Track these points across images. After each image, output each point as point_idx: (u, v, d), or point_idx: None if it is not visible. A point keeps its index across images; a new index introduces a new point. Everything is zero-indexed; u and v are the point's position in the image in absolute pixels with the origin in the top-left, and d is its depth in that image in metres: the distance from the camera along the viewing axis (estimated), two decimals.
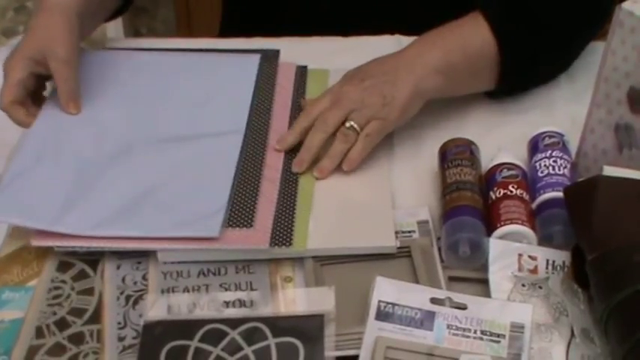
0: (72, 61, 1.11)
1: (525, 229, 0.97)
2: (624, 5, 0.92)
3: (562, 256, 0.96)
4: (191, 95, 1.18)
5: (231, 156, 1.07)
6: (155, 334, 0.90)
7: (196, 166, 1.06)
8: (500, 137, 1.13)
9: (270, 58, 1.25)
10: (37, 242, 0.98)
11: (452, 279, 0.97)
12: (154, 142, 1.10)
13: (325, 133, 1.07)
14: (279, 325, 0.90)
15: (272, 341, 0.88)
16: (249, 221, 0.99)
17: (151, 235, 0.97)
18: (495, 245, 0.96)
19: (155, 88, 1.19)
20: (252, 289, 0.95)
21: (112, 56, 1.26)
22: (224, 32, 1.55)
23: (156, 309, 0.93)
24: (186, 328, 0.90)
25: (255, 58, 1.24)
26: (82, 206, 1.00)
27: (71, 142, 1.09)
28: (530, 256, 0.96)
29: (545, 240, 0.98)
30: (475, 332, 0.88)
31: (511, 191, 1.00)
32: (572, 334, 0.89)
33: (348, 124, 1.07)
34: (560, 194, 0.98)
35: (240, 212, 1.00)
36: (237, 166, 1.06)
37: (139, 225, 0.98)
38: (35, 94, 1.14)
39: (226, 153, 1.07)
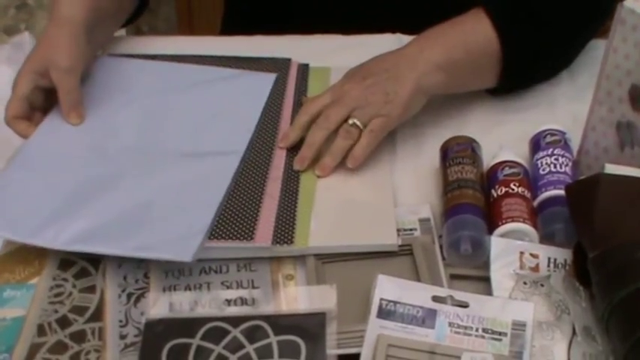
0: (74, 71, 1.11)
1: (527, 227, 0.97)
2: (626, 3, 0.92)
3: (564, 254, 0.96)
4: (198, 112, 1.17)
5: (224, 179, 1.05)
6: (157, 332, 0.90)
7: (187, 186, 1.04)
8: (501, 135, 1.13)
9: (280, 67, 1.25)
10: None
11: (453, 277, 0.97)
12: (151, 158, 1.08)
13: (327, 130, 1.07)
14: (281, 323, 0.90)
15: (274, 339, 0.88)
16: (250, 234, 0.98)
17: (122, 255, 0.96)
18: (497, 243, 0.96)
19: (164, 102, 1.18)
20: (253, 287, 0.95)
21: (122, 64, 1.26)
22: (225, 30, 1.55)
23: (157, 307, 0.93)
24: (187, 326, 0.90)
25: (270, 78, 1.23)
26: (64, 220, 0.98)
27: (66, 155, 1.09)
28: (531, 254, 0.96)
29: (546, 238, 0.98)
30: (477, 330, 0.88)
31: (513, 189, 1.00)
32: (574, 332, 0.89)
33: (350, 122, 1.06)
34: (561, 192, 0.98)
35: (240, 226, 0.99)
36: (227, 190, 1.03)
37: (112, 244, 0.96)
38: (46, 107, 1.14)
39: (219, 175, 1.05)
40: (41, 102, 1.13)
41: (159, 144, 1.11)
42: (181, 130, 1.13)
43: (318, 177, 1.07)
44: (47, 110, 1.14)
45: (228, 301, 0.93)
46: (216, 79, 1.23)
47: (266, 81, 1.23)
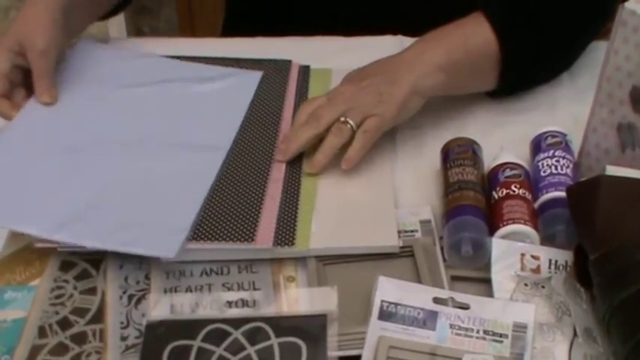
0: (49, 53, 1.11)
1: (528, 229, 0.97)
2: (627, 4, 0.92)
3: (565, 256, 0.96)
4: (184, 108, 1.17)
5: (209, 174, 1.05)
6: (158, 334, 0.90)
7: (172, 179, 1.04)
8: (502, 137, 1.13)
9: (281, 69, 1.25)
10: (41, 244, 0.98)
11: (454, 278, 0.97)
12: (136, 148, 1.09)
13: (316, 129, 1.07)
14: (282, 325, 0.90)
15: (275, 341, 0.88)
16: (251, 236, 0.98)
17: (105, 248, 0.96)
18: (498, 245, 0.96)
19: (150, 95, 1.18)
20: (254, 289, 0.95)
21: (111, 53, 1.27)
22: (227, 32, 1.55)
23: (158, 309, 0.93)
24: (188, 327, 0.90)
25: (257, 75, 1.24)
26: (46, 209, 0.99)
27: (49, 140, 1.09)
28: (532, 256, 0.96)
29: (547, 239, 0.98)
30: (478, 332, 0.88)
31: (514, 191, 1.00)
32: (575, 334, 0.89)
33: (342, 119, 1.06)
34: (562, 194, 0.98)
35: (241, 227, 0.99)
36: (212, 186, 1.04)
37: (96, 236, 0.96)
38: (26, 85, 1.14)
39: (204, 171, 1.06)
40: (21, 80, 1.13)
41: (143, 137, 1.11)
42: (167, 125, 1.14)
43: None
44: (28, 87, 1.14)
45: (229, 303, 0.93)
46: (203, 76, 1.23)
47: (252, 79, 1.23)
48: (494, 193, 1.01)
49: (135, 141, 1.10)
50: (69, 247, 0.98)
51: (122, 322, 0.93)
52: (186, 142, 1.10)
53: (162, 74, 1.23)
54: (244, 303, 0.93)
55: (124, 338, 0.91)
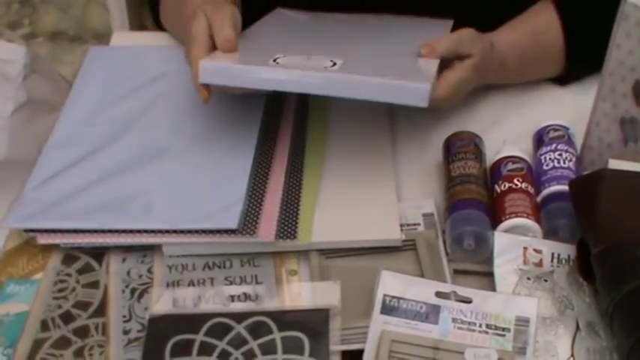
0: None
1: (530, 223, 0.97)
2: None
3: (567, 250, 0.96)
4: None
5: (247, 149, 1.06)
6: (160, 328, 0.90)
7: (213, 159, 1.05)
8: (505, 130, 1.13)
9: None
10: (43, 240, 0.98)
11: (457, 272, 0.97)
12: (174, 136, 1.10)
13: None
14: (285, 319, 0.90)
15: (277, 335, 0.88)
16: (253, 229, 0.98)
17: (172, 228, 0.97)
18: (500, 238, 0.96)
19: (174, 82, 1.19)
20: (257, 283, 0.96)
21: (130, 52, 1.27)
22: None
23: (161, 302, 0.93)
24: (191, 321, 0.90)
25: None
26: (108, 202, 1.00)
27: (95, 139, 1.09)
28: (535, 250, 0.96)
29: (550, 233, 0.98)
30: (480, 326, 0.88)
31: (516, 184, 1.00)
32: (578, 328, 0.89)
33: None
34: (565, 187, 0.98)
35: (243, 220, 0.98)
36: (254, 158, 1.05)
37: (159, 219, 0.98)
38: None
39: (242, 147, 1.07)
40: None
41: (179, 123, 1.12)
42: (196, 108, 1.14)
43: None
44: None
45: (232, 297, 0.93)
46: None
47: None
48: (496, 186, 1.01)
49: (175, 128, 1.11)
50: (72, 243, 0.98)
51: (125, 316, 0.93)
52: (220, 123, 1.11)
53: (176, 63, 1.23)
54: (247, 297, 0.93)
55: (126, 332, 0.91)
